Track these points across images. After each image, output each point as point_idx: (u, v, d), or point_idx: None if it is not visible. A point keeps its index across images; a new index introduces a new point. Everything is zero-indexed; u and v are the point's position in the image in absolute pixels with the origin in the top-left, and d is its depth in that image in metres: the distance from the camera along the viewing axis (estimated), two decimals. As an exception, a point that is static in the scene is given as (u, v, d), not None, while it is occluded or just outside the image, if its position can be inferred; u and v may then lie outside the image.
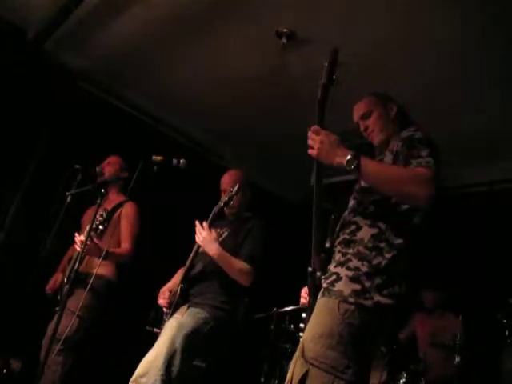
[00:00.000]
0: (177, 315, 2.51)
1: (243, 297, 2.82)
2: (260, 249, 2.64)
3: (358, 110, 2.03)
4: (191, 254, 2.65)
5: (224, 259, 2.52)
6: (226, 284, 2.58)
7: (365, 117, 1.99)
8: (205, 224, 2.57)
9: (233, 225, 2.73)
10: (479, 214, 4.06)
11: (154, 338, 2.51)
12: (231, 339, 2.77)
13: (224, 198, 2.61)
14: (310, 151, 1.67)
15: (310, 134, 1.68)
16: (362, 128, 2.01)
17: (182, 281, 2.62)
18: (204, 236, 2.52)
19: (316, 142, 1.65)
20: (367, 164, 1.61)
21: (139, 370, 2.28)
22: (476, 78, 3.30)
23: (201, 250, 2.60)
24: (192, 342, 2.38)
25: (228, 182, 2.81)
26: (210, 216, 2.64)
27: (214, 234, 2.53)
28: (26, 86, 3.70)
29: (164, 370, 2.24)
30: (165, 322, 2.57)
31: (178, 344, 2.33)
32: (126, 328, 3.79)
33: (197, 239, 2.56)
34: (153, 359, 2.28)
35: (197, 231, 2.57)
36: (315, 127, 1.68)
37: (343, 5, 2.89)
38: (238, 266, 2.53)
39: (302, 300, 1.96)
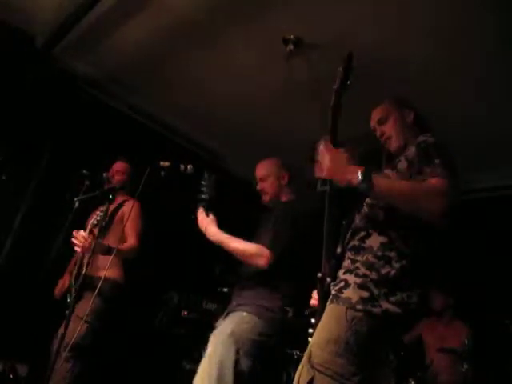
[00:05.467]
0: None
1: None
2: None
3: (375, 115, 2.02)
4: None
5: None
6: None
7: (381, 122, 1.98)
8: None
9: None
10: (486, 220, 4.04)
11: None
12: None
13: None
14: (319, 171, 1.65)
15: (320, 149, 1.66)
16: (378, 133, 2.00)
17: None
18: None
19: (325, 159, 1.63)
20: (379, 183, 1.57)
21: None
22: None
23: None
24: None
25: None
26: None
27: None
28: (34, 92, 3.72)
29: None
30: None
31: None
32: (133, 331, 3.79)
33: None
34: None
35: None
36: (327, 144, 1.66)
37: (349, 10, 2.90)
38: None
39: (312, 301, 1.95)
